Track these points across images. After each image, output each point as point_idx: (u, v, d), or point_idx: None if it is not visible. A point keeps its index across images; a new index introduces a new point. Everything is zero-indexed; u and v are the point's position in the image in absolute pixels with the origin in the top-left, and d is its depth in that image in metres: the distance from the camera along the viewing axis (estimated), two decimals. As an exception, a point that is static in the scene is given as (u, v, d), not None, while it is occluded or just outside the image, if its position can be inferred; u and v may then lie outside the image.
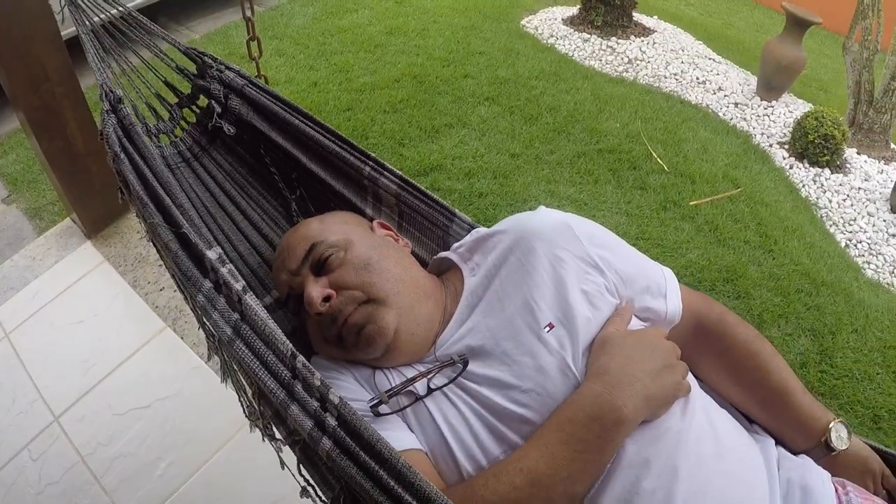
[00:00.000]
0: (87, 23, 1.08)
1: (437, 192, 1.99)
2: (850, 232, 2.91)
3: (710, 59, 4.27)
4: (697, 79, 3.96)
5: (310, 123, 1.07)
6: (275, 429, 0.82)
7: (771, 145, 3.43)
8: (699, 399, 0.80)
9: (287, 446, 0.78)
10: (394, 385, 0.81)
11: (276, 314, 1.01)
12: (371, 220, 1.06)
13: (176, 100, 1.12)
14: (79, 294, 2.13)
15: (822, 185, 3.16)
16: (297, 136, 1.08)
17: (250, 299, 0.71)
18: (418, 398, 0.79)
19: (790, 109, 3.75)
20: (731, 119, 3.63)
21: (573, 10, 4.58)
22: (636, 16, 4.52)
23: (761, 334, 0.93)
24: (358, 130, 2.99)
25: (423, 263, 1.05)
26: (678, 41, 4.40)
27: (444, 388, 0.79)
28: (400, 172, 1.08)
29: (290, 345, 0.68)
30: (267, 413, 0.79)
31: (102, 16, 1.10)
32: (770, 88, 3.81)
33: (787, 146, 3.40)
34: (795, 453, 0.86)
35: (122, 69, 1.08)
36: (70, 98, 2.03)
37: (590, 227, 0.90)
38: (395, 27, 4.08)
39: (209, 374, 1.86)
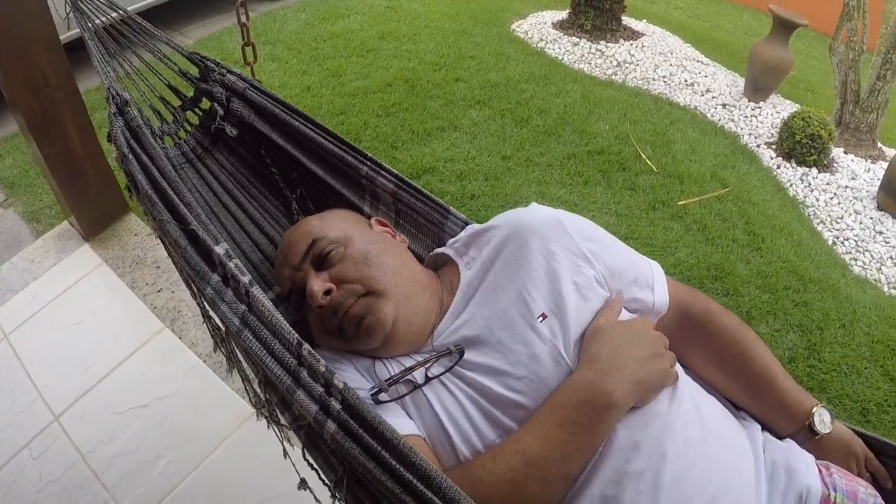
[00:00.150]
0: (91, 27, 1.11)
1: (430, 194, 2.02)
2: (838, 230, 2.95)
3: (698, 61, 4.32)
4: (686, 81, 4.00)
5: (309, 125, 1.10)
6: (280, 415, 0.85)
7: (758, 146, 3.46)
8: (686, 386, 0.84)
9: (291, 431, 0.81)
10: (393, 374, 0.84)
11: (278, 309, 1.03)
12: (369, 217, 1.09)
13: (179, 102, 1.15)
14: (77, 295, 2.14)
15: (810, 184, 3.20)
16: (297, 138, 1.11)
17: (257, 291, 0.74)
18: (417, 386, 0.82)
19: (777, 110, 3.79)
20: (719, 120, 3.67)
21: (563, 15, 4.62)
22: (625, 19, 4.56)
23: (745, 323, 0.96)
24: (351, 134, 3.02)
25: (420, 259, 1.08)
26: (667, 44, 4.45)
27: (442, 377, 0.82)
28: (396, 172, 1.11)
29: (296, 334, 0.70)
30: (273, 400, 0.82)
31: (106, 20, 1.13)
32: (757, 90, 3.85)
33: (774, 146, 3.44)
34: (781, 438, 0.89)
35: (126, 72, 1.10)
36: (69, 102, 2.04)
37: (580, 222, 0.94)
38: (386, 32, 4.11)
39: (207, 373, 1.88)
